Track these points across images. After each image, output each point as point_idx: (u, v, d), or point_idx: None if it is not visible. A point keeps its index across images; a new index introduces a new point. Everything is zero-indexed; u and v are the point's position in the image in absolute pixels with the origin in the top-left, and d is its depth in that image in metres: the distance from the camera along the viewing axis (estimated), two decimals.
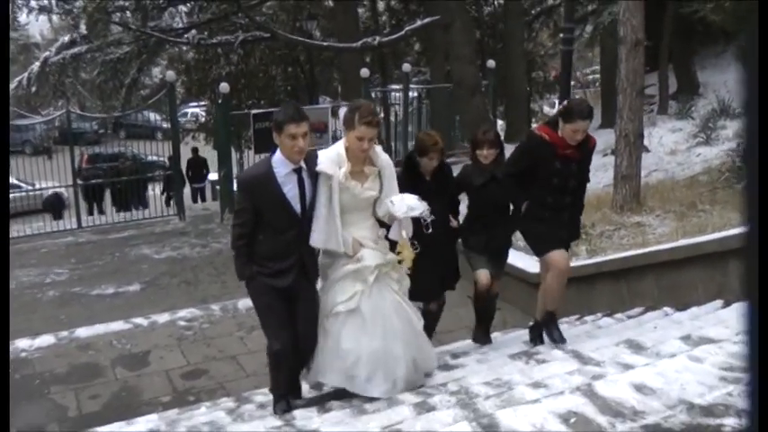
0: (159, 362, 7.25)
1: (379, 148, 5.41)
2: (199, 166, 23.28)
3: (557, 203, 6.07)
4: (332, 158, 5.19)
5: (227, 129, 17.30)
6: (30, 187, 21.61)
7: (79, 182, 18.07)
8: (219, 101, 17.67)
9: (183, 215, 17.52)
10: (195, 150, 23.50)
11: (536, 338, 6.52)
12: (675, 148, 14.51)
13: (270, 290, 5.15)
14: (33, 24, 33.24)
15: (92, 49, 20.37)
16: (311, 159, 5.19)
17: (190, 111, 32.34)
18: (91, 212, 19.28)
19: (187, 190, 21.94)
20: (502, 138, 6.98)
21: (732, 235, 6.64)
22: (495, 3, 26.20)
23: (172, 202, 19.24)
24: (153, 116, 28.21)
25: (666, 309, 7.03)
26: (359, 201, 5.28)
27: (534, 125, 18.73)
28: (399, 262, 5.34)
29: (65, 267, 13.18)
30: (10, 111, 24.91)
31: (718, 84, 17.40)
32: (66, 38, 20.77)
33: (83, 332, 8.09)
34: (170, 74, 18.79)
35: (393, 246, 5.43)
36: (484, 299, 6.72)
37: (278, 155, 5.11)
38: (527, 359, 5.81)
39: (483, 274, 6.52)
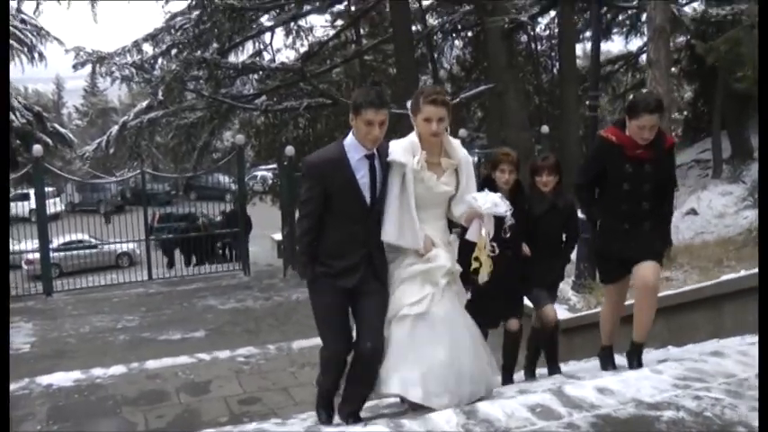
0: (218, 390, 7.92)
1: (456, 142, 5.03)
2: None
3: (633, 212, 5.39)
4: (405, 147, 4.82)
5: (292, 190, 18.19)
6: (103, 245, 22.93)
7: (151, 238, 19.16)
8: (285, 163, 18.62)
9: (248, 270, 18.36)
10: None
11: (607, 364, 6.06)
12: (724, 211, 14.86)
13: (333, 290, 4.74)
14: (112, 91, 34.94)
15: (167, 114, 21.53)
16: (383, 149, 4.82)
17: (259, 173, 33.47)
18: (171, 265, 20.34)
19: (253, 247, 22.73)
20: None
21: (726, 280, 7.23)
22: (554, 70, 26.88)
23: (234, 257, 20.15)
24: (223, 178, 29.40)
25: (670, 347, 7.30)
26: (433, 195, 4.86)
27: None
28: (474, 271, 4.95)
29: (135, 315, 14.04)
30: (87, 172, 26.37)
31: None
32: (144, 103, 21.98)
33: (151, 364, 8.84)
34: (239, 137, 19.87)
35: (462, 258, 5.05)
36: (550, 335, 6.48)
37: (350, 138, 4.75)
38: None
39: (551, 310, 6.31)
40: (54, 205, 22.79)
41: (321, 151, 5.06)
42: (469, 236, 4.97)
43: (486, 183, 5.78)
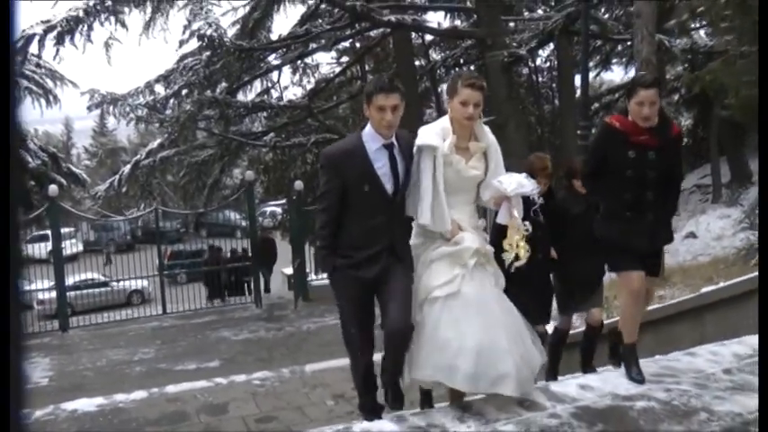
0: (236, 410, 8.24)
1: (486, 128, 4.98)
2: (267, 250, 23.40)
3: (636, 200, 5.16)
4: (436, 131, 4.76)
5: (301, 224, 18.62)
6: (115, 283, 23.35)
7: (165, 273, 19.59)
8: (294, 198, 19.06)
9: (260, 303, 18.75)
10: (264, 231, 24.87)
11: (631, 366, 5.47)
12: (722, 233, 15.23)
13: (355, 282, 4.64)
14: (121, 130, 35.50)
15: (179, 152, 22.05)
16: (403, 138, 4.77)
17: (269, 209, 33.93)
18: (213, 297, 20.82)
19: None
20: None
21: (706, 292, 7.66)
22: (555, 101, 27.38)
23: (249, 290, 20.55)
24: (233, 215, 29.82)
25: (657, 356, 7.75)
26: (462, 179, 4.79)
27: None
28: (516, 257, 4.80)
29: (151, 347, 14.46)
30: (96, 212, 26.81)
31: None
32: (156, 142, 22.47)
33: (171, 389, 9.18)
34: (249, 174, 20.36)
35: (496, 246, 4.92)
36: (593, 336, 6.59)
37: (368, 128, 4.69)
38: None
39: (598, 312, 6.41)
40: (72, 246, 23.25)
41: (339, 143, 5.13)
42: (500, 219, 4.90)
43: None
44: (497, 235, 5.05)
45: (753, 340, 5.98)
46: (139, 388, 9.71)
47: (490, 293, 4.68)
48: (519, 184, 4.73)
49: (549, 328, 6.83)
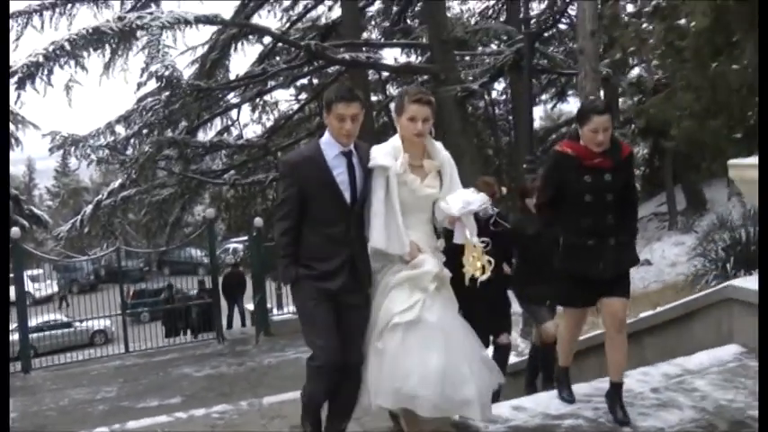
0: None
1: (438, 144, 4.82)
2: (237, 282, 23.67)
3: (597, 226, 5.01)
4: (387, 151, 4.65)
5: (261, 259, 18.90)
6: (78, 324, 23.44)
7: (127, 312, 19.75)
8: (254, 234, 19.35)
9: (222, 338, 18.91)
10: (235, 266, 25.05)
11: (563, 388, 5.61)
12: (676, 260, 15.70)
13: (317, 294, 4.54)
14: (83, 171, 35.54)
15: (140, 191, 22.27)
16: (362, 148, 4.70)
17: (231, 246, 34.10)
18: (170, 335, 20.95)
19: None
20: None
21: (644, 317, 8.06)
22: (512, 133, 27.98)
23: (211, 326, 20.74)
24: (195, 252, 29.97)
25: (600, 379, 8.13)
26: (418, 199, 4.66)
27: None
28: (471, 278, 4.63)
29: (113, 386, 14.57)
30: (59, 252, 26.88)
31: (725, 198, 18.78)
32: (117, 182, 22.67)
33: (132, 425, 9.31)
34: (209, 211, 20.65)
35: (450, 262, 4.78)
36: (549, 351, 6.60)
37: (326, 136, 4.64)
38: None
39: (552, 326, 6.47)
40: (47, 287, 23.30)
41: (297, 150, 5.22)
42: (456, 239, 4.67)
43: None
44: (453, 255, 4.78)
45: (683, 361, 6.44)
46: (102, 425, 9.90)
47: (451, 318, 4.61)
48: (465, 202, 4.55)
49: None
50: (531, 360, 7.25)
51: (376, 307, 4.60)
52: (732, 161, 6.56)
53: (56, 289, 26.25)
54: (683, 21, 8.18)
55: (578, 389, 5.63)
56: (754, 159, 6.22)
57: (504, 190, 6.61)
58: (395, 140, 4.72)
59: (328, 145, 4.60)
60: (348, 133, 4.52)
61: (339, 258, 4.54)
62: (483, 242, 4.67)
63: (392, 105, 5.63)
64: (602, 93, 13.50)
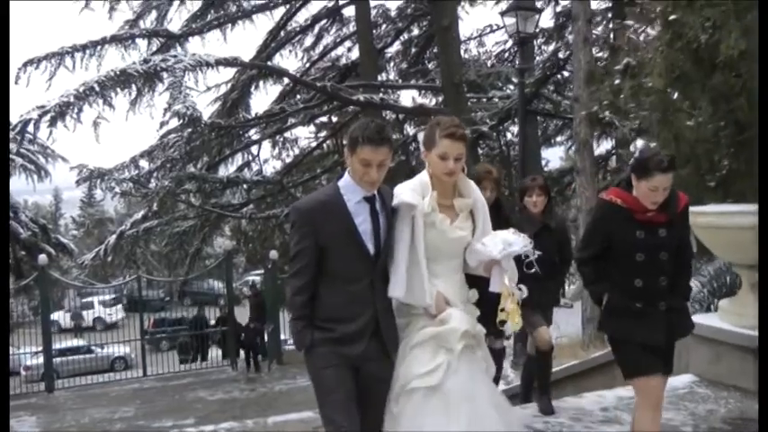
0: None
1: (470, 182, 4.32)
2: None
3: (649, 289, 4.43)
4: (413, 188, 4.10)
5: (275, 291, 19.75)
6: (99, 350, 24.41)
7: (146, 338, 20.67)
8: (269, 266, 20.21)
9: (236, 365, 19.73)
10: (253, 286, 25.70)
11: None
12: None
13: (335, 360, 3.92)
14: (108, 201, 36.54)
15: (161, 223, 23.18)
16: (386, 194, 4.10)
17: (251, 278, 34.94)
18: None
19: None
20: None
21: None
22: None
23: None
24: (215, 283, 30.85)
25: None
26: (448, 242, 4.12)
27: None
28: (502, 323, 4.14)
29: (131, 407, 15.48)
30: (84, 281, 27.90)
31: None
32: (140, 214, 23.58)
33: None
34: (227, 244, 21.56)
35: (485, 311, 4.25)
36: (543, 358, 6.50)
37: (346, 179, 4.00)
38: None
39: (546, 332, 6.23)
40: (117, 312, 24.21)
41: (312, 194, 4.39)
42: (493, 287, 4.12)
43: None
44: (488, 302, 4.25)
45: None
46: None
47: (479, 385, 4.02)
48: (505, 243, 4.07)
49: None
50: (525, 372, 7.10)
51: (396, 366, 4.06)
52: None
53: (123, 314, 27.32)
54: (647, 79, 8.96)
55: (528, 414, 6.30)
56: (706, 207, 6.88)
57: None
58: (423, 176, 4.20)
59: (349, 189, 3.97)
60: (373, 181, 3.91)
61: (362, 319, 3.95)
62: (521, 292, 4.18)
63: (420, 136, 4.43)
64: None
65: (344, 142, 4.36)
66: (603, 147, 23.57)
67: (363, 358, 3.95)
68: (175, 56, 18.58)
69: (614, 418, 6.28)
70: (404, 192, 4.07)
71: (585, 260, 4.77)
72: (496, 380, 5.49)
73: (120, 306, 28.39)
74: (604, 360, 9.30)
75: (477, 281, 4.27)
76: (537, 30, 25.25)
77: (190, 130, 20.40)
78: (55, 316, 30.88)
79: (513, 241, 4.07)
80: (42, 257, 18.59)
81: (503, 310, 4.07)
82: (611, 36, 15.45)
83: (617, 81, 10.70)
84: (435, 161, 4.08)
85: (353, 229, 3.91)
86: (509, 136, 29.94)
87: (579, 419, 6.18)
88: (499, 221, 5.49)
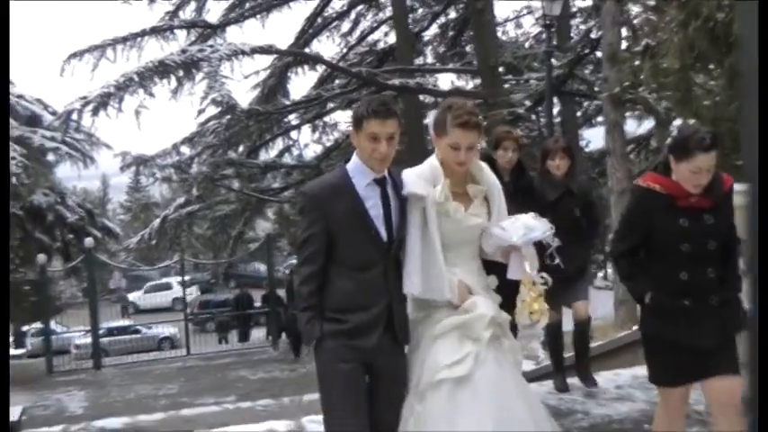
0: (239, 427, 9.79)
1: (483, 165, 4.13)
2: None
3: (697, 282, 3.98)
4: (423, 175, 3.87)
5: None
6: (146, 330, 25.26)
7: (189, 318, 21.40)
8: None
9: (277, 346, 20.30)
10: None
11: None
12: None
13: (345, 355, 3.68)
14: (154, 186, 37.26)
15: (203, 207, 23.73)
16: (397, 175, 3.89)
17: (294, 261, 35.56)
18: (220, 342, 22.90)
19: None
20: None
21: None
22: None
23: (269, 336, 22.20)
24: (260, 267, 31.47)
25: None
26: (462, 230, 3.90)
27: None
28: (515, 313, 3.90)
29: (175, 384, 16.12)
30: (131, 263, 28.74)
31: None
32: (182, 199, 24.17)
33: (186, 412, 10.70)
34: (268, 227, 22.09)
35: (506, 299, 4.01)
36: (580, 333, 6.37)
37: (355, 161, 3.81)
38: None
39: (583, 306, 6.16)
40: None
41: (321, 178, 4.33)
42: (511, 274, 3.90)
43: (486, 162, 4.70)
44: (507, 291, 4.01)
45: None
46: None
47: (509, 377, 3.77)
48: (526, 228, 3.81)
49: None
50: (552, 342, 6.67)
51: (418, 363, 3.79)
52: None
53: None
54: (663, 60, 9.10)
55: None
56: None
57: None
58: (432, 161, 3.95)
59: (358, 172, 3.79)
60: (383, 157, 3.71)
61: (376, 308, 3.72)
62: (543, 280, 3.94)
63: (429, 119, 4.00)
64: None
65: (352, 120, 3.90)
66: (645, 126, 23.71)
67: (376, 351, 3.72)
68: (212, 46, 19.12)
69: (627, 395, 6.51)
70: (412, 180, 3.85)
71: (622, 253, 4.35)
72: None
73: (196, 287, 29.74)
74: (630, 339, 9.53)
75: (493, 266, 4.08)
76: (574, 9, 25.47)
77: (229, 116, 20.91)
78: (132, 297, 32.47)
79: (534, 226, 3.83)
80: (88, 240, 19.27)
81: (524, 300, 3.85)
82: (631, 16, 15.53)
83: (637, 62, 10.85)
84: (446, 150, 3.85)
85: (364, 213, 3.72)
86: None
87: (593, 396, 6.44)
88: (522, 185, 5.67)
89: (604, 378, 7.03)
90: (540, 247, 4.00)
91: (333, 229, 3.71)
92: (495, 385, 3.62)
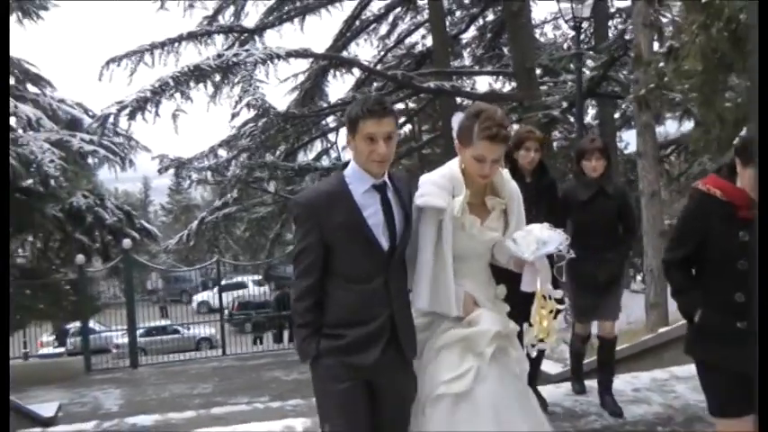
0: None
1: (505, 172, 3.95)
2: None
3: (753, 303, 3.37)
4: (442, 185, 3.70)
5: None
6: (185, 331, 25.58)
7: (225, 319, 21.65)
8: None
9: None
10: None
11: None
12: None
13: (344, 375, 3.50)
14: (194, 189, 37.63)
15: (240, 209, 23.96)
16: (399, 179, 3.74)
17: None
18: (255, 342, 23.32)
19: None
20: None
21: (662, 332, 8.93)
22: None
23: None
24: None
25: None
26: (477, 245, 3.79)
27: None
28: (526, 328, 3.85)
29: (209, 384, 16.29)
30: (171, 264, 29.08)
31: None
32: (220, 201, 24.42)
33: (216, 410, 10.83)
34: None
35: (519, 310, 3.92)
36: (611, 350, 6.18)
37: (352, 166, 3.61)
38: None
39: (610, 326, 5.96)
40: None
41: (315, 185, 4.09)
42: (525, 287, 3.76)
43: (507, 162, 4.77)
44: (523, 301, 3.87)
45: (675, 369, 7.41)
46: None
47: (511, 391, 3.65)
48: (539, 242, 3.61)
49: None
50: (575, 354, 6.61)
51: (420, 373, 3.73)
52: None
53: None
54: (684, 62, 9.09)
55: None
56: None
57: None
58: (453, 167, 3.81)
59: (355, 178, 3.59)
60: (382, 158, 3.52)
61: (376, 322, 3.55)
62: (557, 295, 3.78)
63: (455, 123, 3.79)
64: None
65: (346, 123, 3.69)
66: (685, 127, 23.53)
67: (378, 369, 3.54)
68: (247, 50, 19.38)
69: (644, 398, 6.58)
70: (430, 191, 3.69)
71: (677, 263, 3.93)
72: (532, 377, 4.74)
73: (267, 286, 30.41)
74: (654, 343, 9.53)
75: (503, 274, 3.99)
76: (612, 10, 25.33)
77: (264, 120, 21.10)
78: (201, 297, 32.81)
79: (548, 239, 3.61)
80: (126, 242, 19.61)
81: (534, 319, 3.72)
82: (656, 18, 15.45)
83: (661, 64, 10.81)
84: (470, 161, 3.69)
85: (361, 222, 3.53)
86: (586, 119, 29.83)
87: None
88: (544, 186, 5.57)
89: (622, 380, 7.06)
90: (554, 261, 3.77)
91: (328, 239, 3.53)
92: (496, 402, 3.53)
